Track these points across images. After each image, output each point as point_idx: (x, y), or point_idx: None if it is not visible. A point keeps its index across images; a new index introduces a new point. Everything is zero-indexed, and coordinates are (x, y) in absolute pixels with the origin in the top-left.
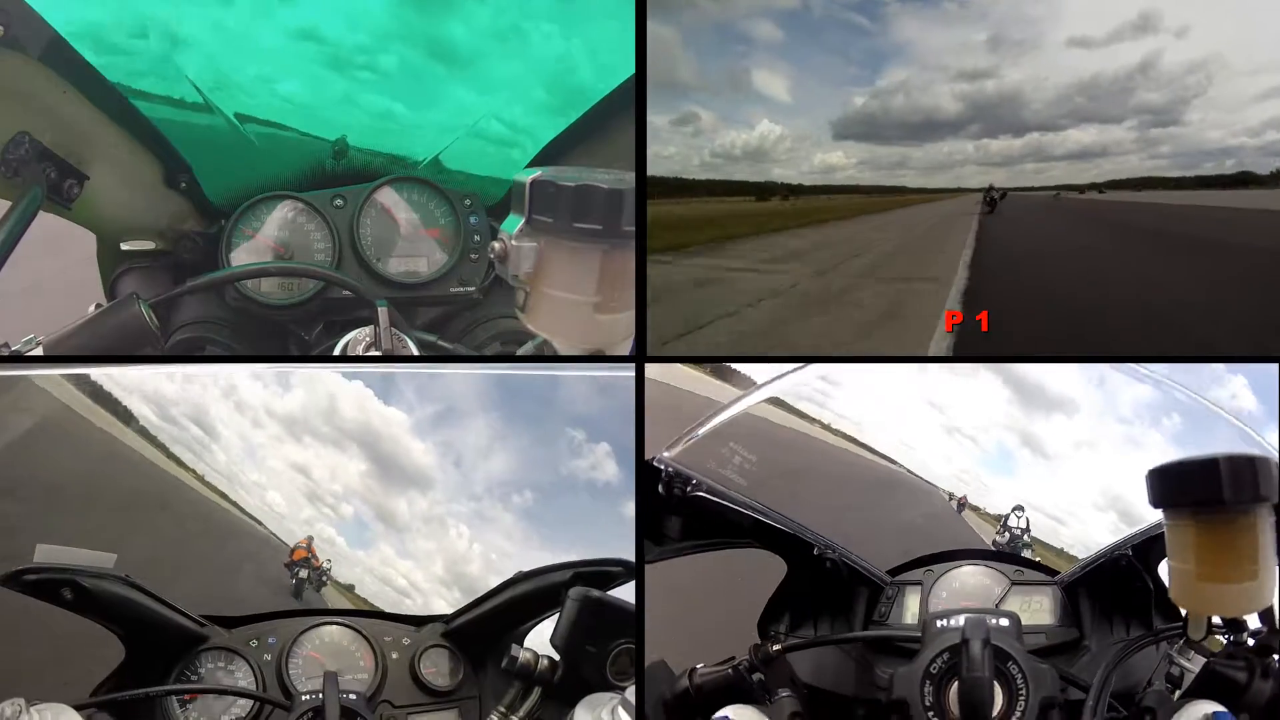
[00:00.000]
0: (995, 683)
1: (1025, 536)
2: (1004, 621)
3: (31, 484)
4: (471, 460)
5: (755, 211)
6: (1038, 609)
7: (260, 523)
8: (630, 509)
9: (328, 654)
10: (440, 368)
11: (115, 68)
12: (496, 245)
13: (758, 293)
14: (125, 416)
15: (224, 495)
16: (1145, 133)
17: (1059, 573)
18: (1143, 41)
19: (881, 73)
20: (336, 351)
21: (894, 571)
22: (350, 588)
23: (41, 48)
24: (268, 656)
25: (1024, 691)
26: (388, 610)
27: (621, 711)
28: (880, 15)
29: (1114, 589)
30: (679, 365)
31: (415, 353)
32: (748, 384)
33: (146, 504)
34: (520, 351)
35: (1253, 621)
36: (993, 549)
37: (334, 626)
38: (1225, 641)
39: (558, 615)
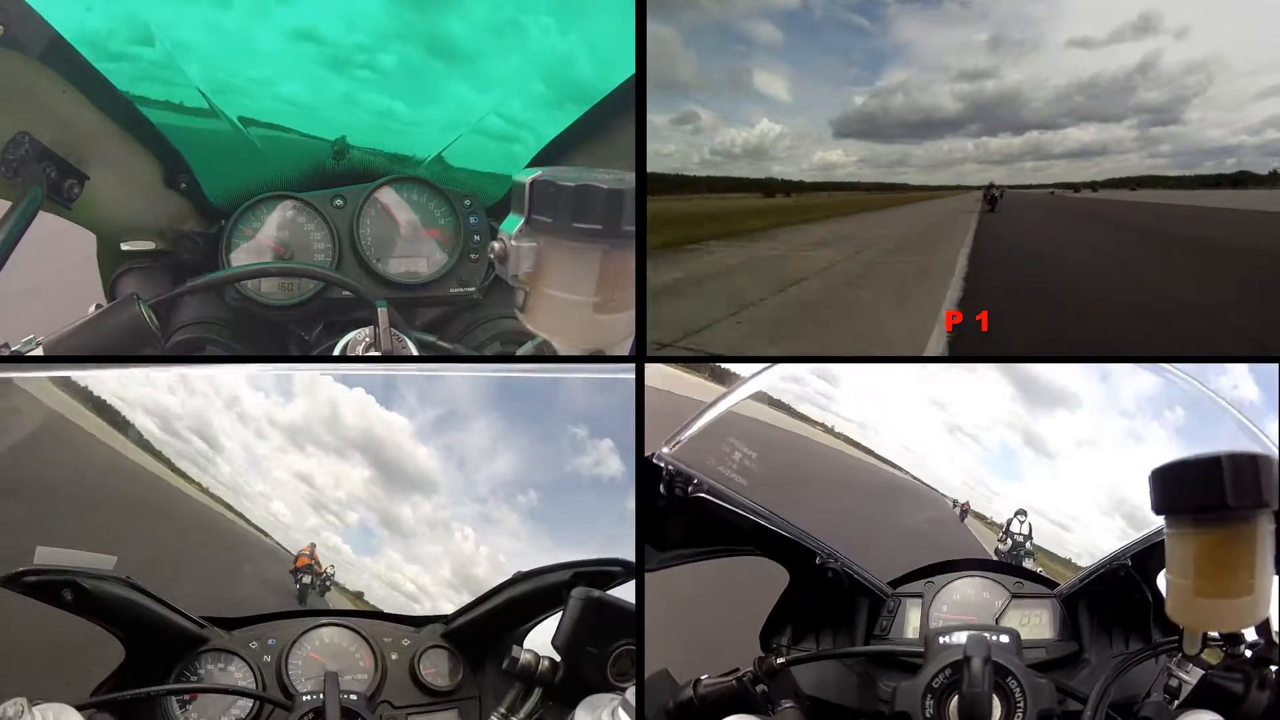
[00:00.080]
0: (995, 697)
1: (1027, 544)
2: (1004, 638)
3: (34, 487)
4: (475, 462)
5: (764, 208)
6: (1037, 623)
7: (266, 533)
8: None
9: (327, 655)
10: (440, 368)
11: (117, 74)
12: (496, 245)
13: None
14: (129, 430)
15: (229, 506)
16: (1145, 131)
17: (1059, 584)
18: (1143, 42)
19: (881, 73)
20: (336, 352)
21: (895, 582)
22: (359, 595)
23: (41, 48)
24: (267, 657)
25: (1022, 705)
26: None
27: (622, 712)
28: (880, 16)
29: (1113, 601)
30: (681, 374)
31: (415, 353)
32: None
33: (151, 515)
34: (520, 351)
35: (1249, 633)
36: (993, 559)
37: (334, 627)
38: (1223, 653)
39: (559, 616)
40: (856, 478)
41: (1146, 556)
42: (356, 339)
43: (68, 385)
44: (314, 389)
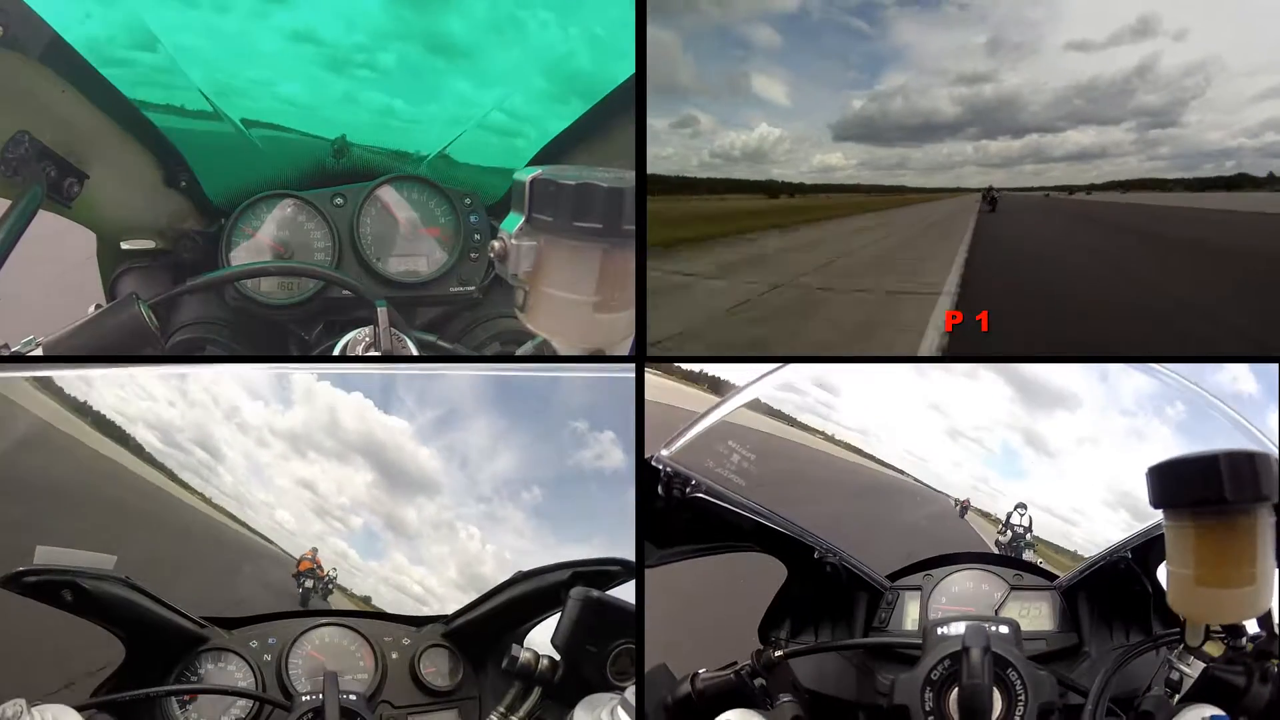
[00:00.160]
0: (995, 689)
1: (1028, 535)
2: (1004, 629)
3: (37, 502)
4: (477, 462)
5: (769, 208)
6: (1037, 614)
7: (271, 541)
8: None
9: (327, 654)
10: (439, 369)
11: (117, 80)
12: (496, 244)
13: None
14: (132, 445)
15: (232, 516)
16: (1144, 134)
17: (1058, 577)
18: (1141, 44)
19: (880, 76)
20: (336, 351)
21: (894, 576)
22: (367, 599)
23: (41, 48)
24: (267, 657)
25: (1023, 697)
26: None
27: (621, 712)
28: (879, 19)
29: (1113, 593)
30: (681, 387)
31: (415, 353)
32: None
33: (154, 526)
34: (520, 351)
35: (1251, 626)
36: (992, 553)
37: (334, 627)
38: (1224, 646)
39: (559, 615)
40: (855, 479)
41: (1147, 549)
42: (356, 339)
43: (69, 402)
44: (312, 395)
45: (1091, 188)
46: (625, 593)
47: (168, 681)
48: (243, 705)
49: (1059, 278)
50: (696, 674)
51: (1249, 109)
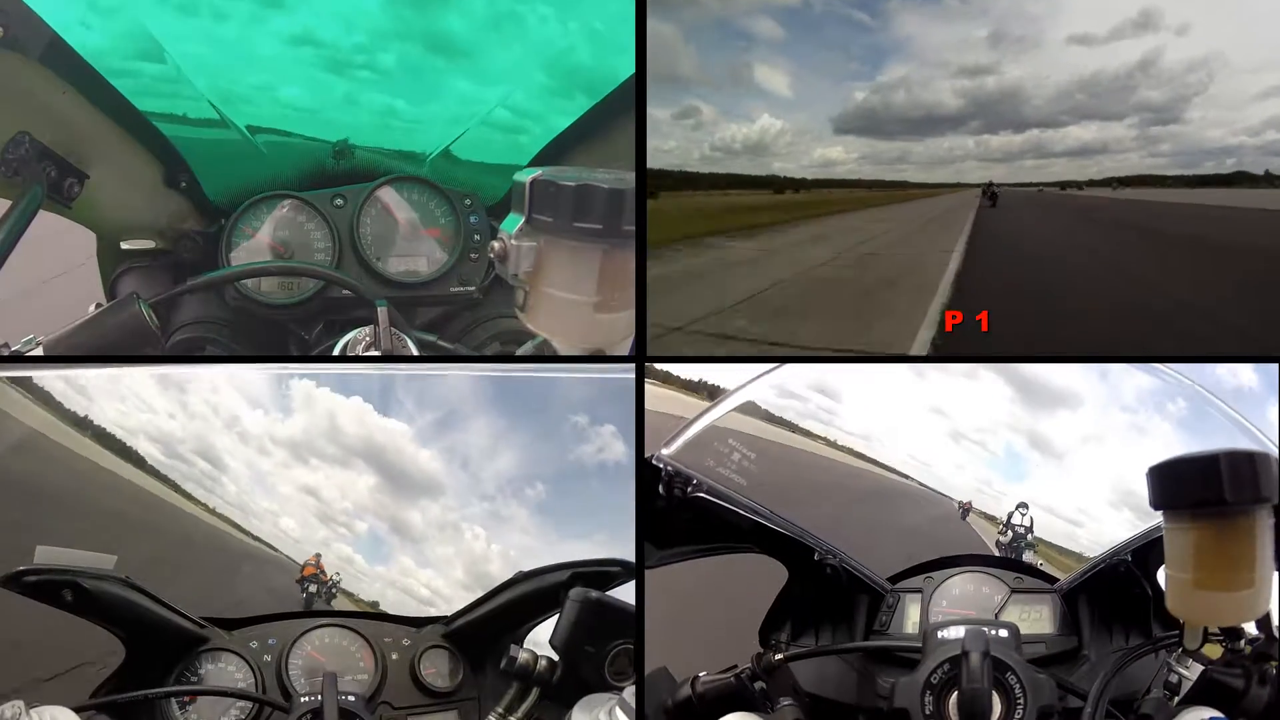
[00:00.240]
0: (994, 693)
1: (1029, 535)
2: (1003, 632)
3: (42, 519)
4: (478, 461)
5: (777, 203)
6: (1037, 618)
7: (276, 549)
8: None
9: (327, 655)
10: (438, 369)
11: (121, 91)
12: (496, 244)
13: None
14: (135, 458)
15: (237, 525)
16: (1145, 130)
17: (1058, 580)
18: (1143, 39)
19: (882, 68)
20: (336, 351)
21: (894, 578)
22: (375, 604)
23: (41, 48)
24: (267, 657)
25: (1022, 701)
26: None
27: (619, 712)
28: (881, 11)
29: (1113, 596)
30: (682, 397)
31: (415, 353)
32: (748, 407)
33: (158, 536)
34: (520, 351)
35: (1250, 628)
36: (993, 555)
37: (334, 628)
38: (1223, 649)
39: (558, 615)
40: (857, 483)
41: (1146, 552)
42: (357, 339)
43: (69, 416)
44: (312, 401)
45: (1083, 184)
46: (625, 593)
47: (168, 682)
48: (243, 705)
49: (1056, 276)
50: (697, 677)
51: (1251, 106)
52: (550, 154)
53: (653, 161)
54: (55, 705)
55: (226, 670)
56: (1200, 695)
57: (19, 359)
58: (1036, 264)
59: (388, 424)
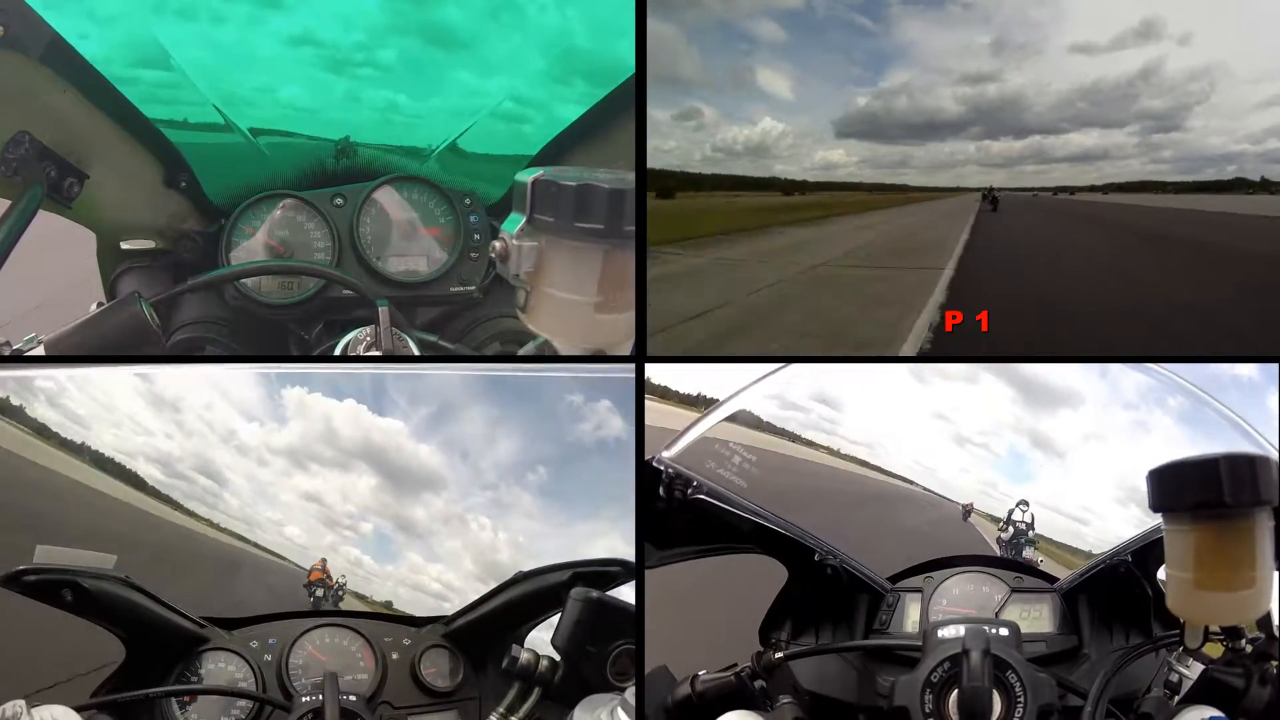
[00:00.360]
0: (995, 691)
1: (1030, 532)
2: (1004, 631)
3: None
4: (477, 451)
5: (788, 205)
6: (1037, 617)
7: (284, 558)
8: None
9: (328, 655)
10: (434, 368)
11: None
12: (498, 244)
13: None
14: (135, 481)
15: (243, 538)
16: (1147, 138)
17: (1058, 579)
18: (1146, 48)
19: (884, 74)
20: (337, 351)
21: (895, 578)
22: (388, 604)
23: (41, 48)
24: (268, 657)
25: (1022, 700)
26: (429, 615)
27: (621, 712)
28: (884, 17)
29: (1113, 596)
30: (681, 412)
31: (416, 353)
32: (744, 418)
33: (168, 560)
34: (522, 351)
35: (1250, 628)
36: (993, 555)
37: (334, 627)
38: (1223, 648)
39: (559, 616)
40: (859, 487)
41: (1147, 551)
42: (357, 338)
43: (67, 446)
44: (306, 408)
45: (1074, 189)
46: (625, 593)
47: (168, 682)
48: (243, 705)
49: (1052, 277)
50: (696, 675)
51: (1252, 115)
52: (552, 153)
53: (653, 162)
54: (56, 704)
55: (226, 670)
56: (1201, 694)
57: (21, 358)
58: (1032, 265)
59: (383, 423)
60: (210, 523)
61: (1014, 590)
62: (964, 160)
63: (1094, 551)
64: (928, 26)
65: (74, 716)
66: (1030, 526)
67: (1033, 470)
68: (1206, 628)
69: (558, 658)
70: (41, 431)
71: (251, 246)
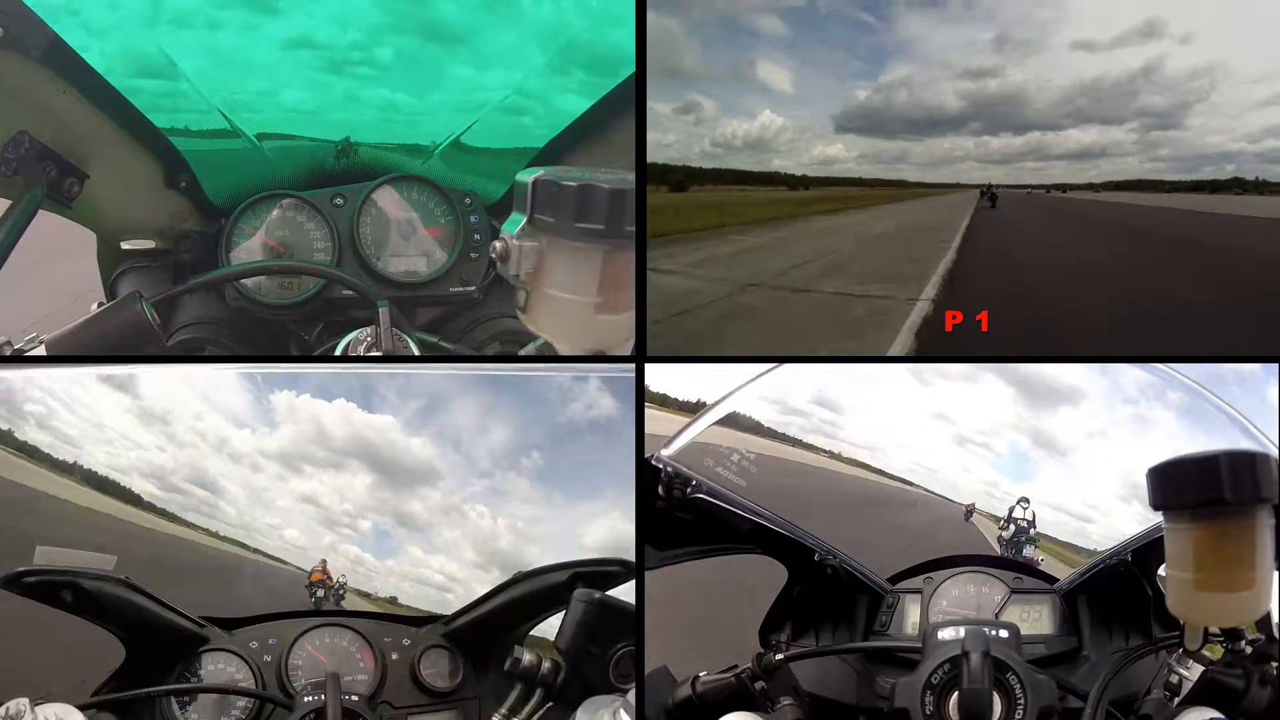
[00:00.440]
0: (994, 693)
1: (1031, 530)
2: (1003, 633)
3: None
4: (470, 440)
5: (799, 199)
6: (1037, 618)
7: (285, 562)
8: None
9: (327, 655)
10: (434, 368)
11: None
12: (498, 244)
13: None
14: (131, 497)
15: (243, 545)
16: (1146, 135)
17: (1058, 580)
18: (1147, 46)
19: (885, 68)
20: (337, 352)
21: (894, 579)
22: (393, 599)
23: (41, 48)
24: (268, 657)
25: (1022, 701)
26: (435, 608)
27: (623, 714)
28: (885, 12)
29: (1113, 597)
30: (677, 416)
31: (416, 353)
32: (745, 424)
33: (168, 574)
34: (522, 352)
35: (1250, 629)
36: (993, 555)
37: (334, 628)
38: (1223, 649)
39: (561, 616)
40: (860, 489)
41: (1147, 552)
42: (358, 339)
43: (59, 466)
44: (295, 411)
45: (1066, 187)
46: (625, 593)
47: (168, 682)
48: (243, 706)
49: (1050, 275)
50: (697, 677)
51: (1252, 114)
52: (553, 151)
53: (654, 156)
54: (59, 703)
55: (226, 670)
56: (1201, 696)
57: (21, 358)
58: (1029, 262)
59: (374, 419)
60: (209, 532)
61: (1013, 591)
62: (963, 156)
63: (1100, 550)
64: (929, 22)
65: (76, 715)
66: (1031, 524)
67: (1035, 469)
68: (1206, 629)
69: (560, 659)
70: (33, 454)
71: (251, 246)
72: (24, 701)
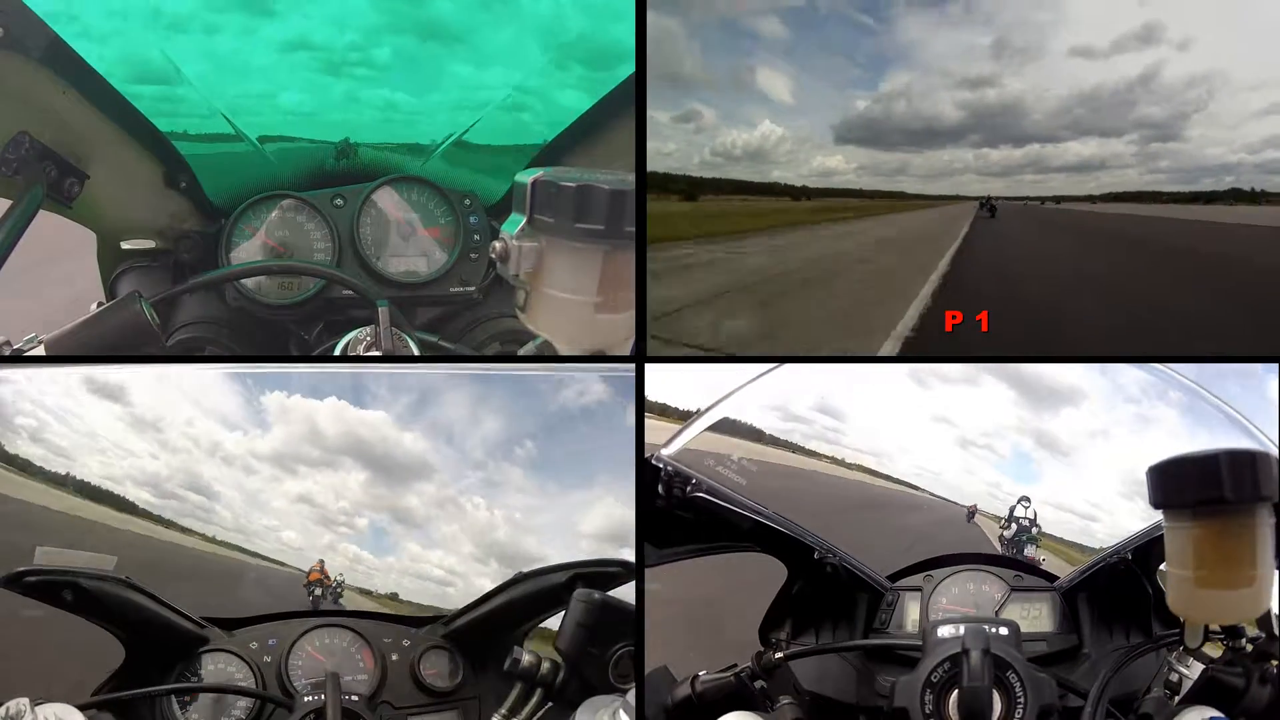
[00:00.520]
0: (994, 691)
1: (1032, 529)
2: (1003, 630)
3: None
4: (462, 432)
5: (806, 209)
6: (1037, 616)
7: (284, 564)
8: (631, 419)
9: (327, 655)
10: (433, 368)
11: None
12: (498, 245)
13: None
14: (126, 506)
15: (241, 548)
16: (1145, 147)
17: (1058, 578)
18: (1145, 53)
19: (884, 76)
20: (337, 352)
21: (894, 577)
22: (393, 595)
23: (41, 48)
24: (268, 658)
25: (1022, 699)
26: (436, 602)
27: (623, 714)
28: (886, 15)
29: (1113, 595)
30: (676, 425)
31: (415, 353)
32: (746, 432)
33: (167, 580)
34: (522, 351)
35: (1250, 627)
36: (993, 554)
37: (334, 628)
38: (1224, 647)
39: (561, 616)
40: (861, 491)
41: (1147, 550)
42: (358, 339)
43: (54, 479)
44: (287, 411)
45: (1060, 199)
46: (625, 593)
47: (167, 683)
48: (243, 706)
49: (1048, 282)
50: (696, 676)
51: (1251, 124)
52: (552, 152)
53: (654, 165)
54: (59, 703)
55: (226, 671)
56: (1201, 694)
57: (21, 358)
58: (1023, 272)
59: (366, 415)
60: (206, 537)
61: (1014, 589)
62: (962, 169)
63: (1105, 548)
64: (929, 27)
65: (76, 715)
66: (1033, 523)
67: (1038, 470)
68: (1206, 627)
69: (559, 659)
70: (25, 468)
71: (251, 247)
72: (24, 701)
